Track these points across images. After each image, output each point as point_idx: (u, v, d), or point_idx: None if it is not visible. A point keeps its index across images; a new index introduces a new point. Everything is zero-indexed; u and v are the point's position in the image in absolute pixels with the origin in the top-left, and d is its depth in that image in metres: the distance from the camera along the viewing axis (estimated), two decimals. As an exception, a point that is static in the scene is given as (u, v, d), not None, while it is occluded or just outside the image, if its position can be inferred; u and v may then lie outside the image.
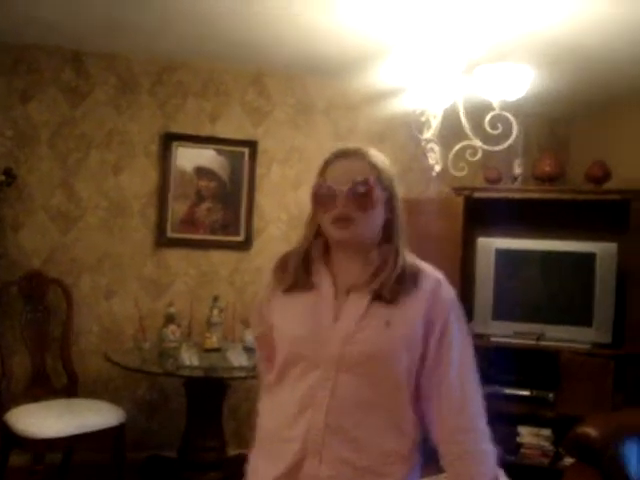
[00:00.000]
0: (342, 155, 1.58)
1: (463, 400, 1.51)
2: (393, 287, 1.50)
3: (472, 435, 1.50)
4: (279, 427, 1.54)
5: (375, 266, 1.54)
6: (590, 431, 2.38)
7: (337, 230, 1.53)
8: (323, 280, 1.56)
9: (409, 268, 1.54)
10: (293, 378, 1.53)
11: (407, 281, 1.52)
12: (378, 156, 1.60)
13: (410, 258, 1.57)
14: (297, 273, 1.57)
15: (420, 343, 1.50)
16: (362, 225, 1.53)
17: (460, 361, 1.52)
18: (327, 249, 1.61)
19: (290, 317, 1.56)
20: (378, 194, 1.54)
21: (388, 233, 1.57)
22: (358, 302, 1.51)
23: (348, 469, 1.47)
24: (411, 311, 1.50)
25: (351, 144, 1.63)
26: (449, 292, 1.55)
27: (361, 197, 1.51)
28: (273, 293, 1.63)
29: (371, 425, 1.48)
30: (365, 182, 1.52)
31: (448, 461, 1.51)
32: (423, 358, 1.51)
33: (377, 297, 1.50)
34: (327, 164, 1.58)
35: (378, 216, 1.55)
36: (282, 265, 1.63)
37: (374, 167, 1.56)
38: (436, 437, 1.53)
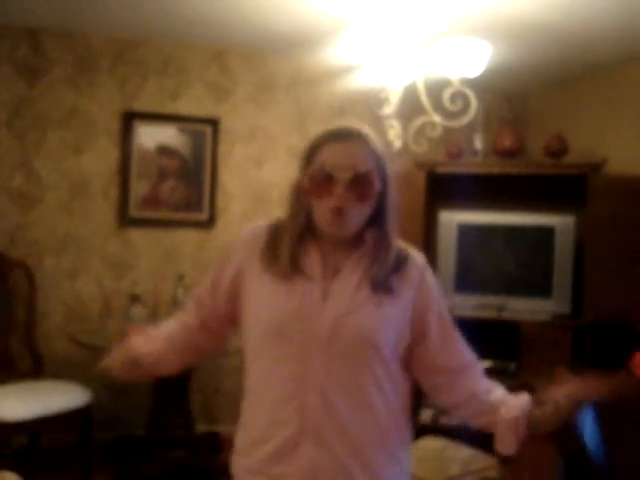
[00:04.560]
0: (341, 136, 1.48)
1: (473, 366, 1.63)
2: (386, 273, 1.49)
3: (487, 388, 1.61)
4: (266, 409, 1.49)
5: (368, 251, 1.51)
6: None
7: (331, 225, 1.47)
8: (311, 260, 1.51)
9: (398, 253, 1.54)
10: (275, 357, 1.48)
11: (397, 266, 1.52)
12: (375, 139, 1.51)
13: (397, 242, 1.56)
14: (292, 261, 1.49)
15: (409, 326, 1.54)
16: (357, 216, 1.48)
17: (457, 335, 1.63)
18: (311, 227, 1.53)
19: (274, 296, 1.49)
20: (377, 185, 1.48)
21: (377, 217, 1.52)
22: (347, 283, 1.49)
23: (344, 449, 1.45)
24: (401, 295, 1.52)
25: (348, 123, 1.53)
26: (431, 274, 1.61)
27: (361, 188, 1.45)
28: (252, 267, 1.55)
29: (366, 404, 1.48)
30: (368, 173, 1.46)
31: (472, 414, 1.61)
32: (422, 338, 1.57)
33: (368, 281, 1.49)
34: (322, 144, 1.49)
35: (372, 204, 1.50)
36: (270, 244, 1.55)
37: (374, 154, 1.49)
38: (451, 401, 1.62)
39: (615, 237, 3.95)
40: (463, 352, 1.63)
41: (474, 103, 2.96)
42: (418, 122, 3.18)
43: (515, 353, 4.13)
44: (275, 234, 1.56)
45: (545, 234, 4.16)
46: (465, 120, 3.06)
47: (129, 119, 4.21)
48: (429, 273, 1.60)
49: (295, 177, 1.55)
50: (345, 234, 1.50)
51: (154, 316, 3.96)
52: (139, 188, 4.27)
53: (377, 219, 1.52)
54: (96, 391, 3.72)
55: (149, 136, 4.27)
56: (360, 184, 1.45)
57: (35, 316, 3.93)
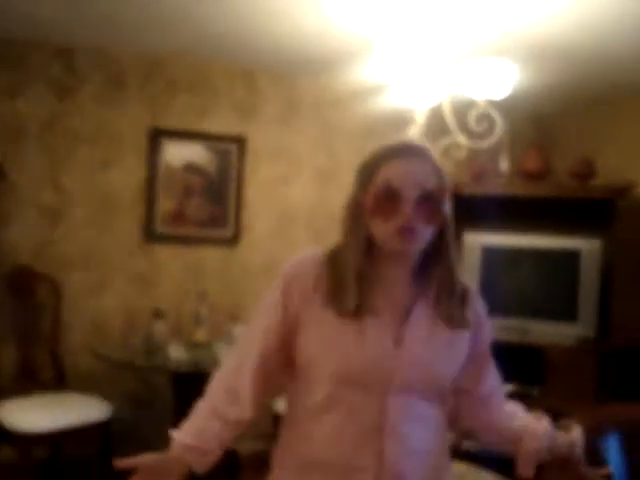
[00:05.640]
0: (405, 153, 1.38)
1: (498, 392, 1.64)
2: (454, 311, 1.45)
3: (510, 414, 1.62)
4: (342, 455, 1.40)
5: (434, 288, 1.44)
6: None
7: (400, 240, 1.36)
8: (379, 300, 1.41)
9: (459, 286, 1.48)
10: (350, 402, 1.39)
11: (462, 299, 1.48)
12: (438, 158, 1.43)
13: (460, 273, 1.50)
14: (360, 298, 1.38)
15: (466, 355, 1.52)
16: (423, 238, 1.39)
17: (491, 361, 1.64)
18: (371, 254, 1.42)
19: (343, 339, 1.38)
20: (446, 204, 1.41)
21: (437, 248, 1.44)
22: (421, 326, 1.42)
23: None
24: (465, 331, 1.49)
25: (411, 140, 1.46)
26: (483, 304, 1.58)
27: (430, 207, 1.37)
28: (310, 305, 1.42)
29: (432, 440, 1.47)
30: (436, 192, 1.37)
31: (494, 441, 1.63)
32: (465, 364, 1.52)
33: (438, 320, 1.43)
34: (384, 160, 1.39)
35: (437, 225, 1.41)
36: (333, 278, 1.41)
37: (438, 172, 1.40)
38: (473, 425, 1.64)
39: (642, 261, 3.91)
40: (492, 378, 1.61)
41: (500, 124, 2.96)
42: (443, 143, 3.18)
43: (539, 377, 4.08)
44: (335, 265, 1.43)
45: (570, 257, 4.12)
46: (491, 141, 3.05)
47: (157, 136, 4.26)
48: (482, 303, 1.57)
49: (351, 196, 1.45)
50: (411, 251, 1.41)
51: (176, 332, 3.98)
52: (165, 205, 4.30)
53: (439, 246, 1.44)
54: (117, 405, 3.74)
55: (176, 153, 4.31)
56: (428, 203, 1.36)
57: (59, 329, 3.97)
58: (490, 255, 4.26)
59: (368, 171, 1.41)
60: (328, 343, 1.40)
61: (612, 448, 2.38)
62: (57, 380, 3.86)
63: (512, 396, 4.45)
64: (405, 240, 1.36)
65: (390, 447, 1.39)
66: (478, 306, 1.54)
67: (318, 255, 1.46)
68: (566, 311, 4.13)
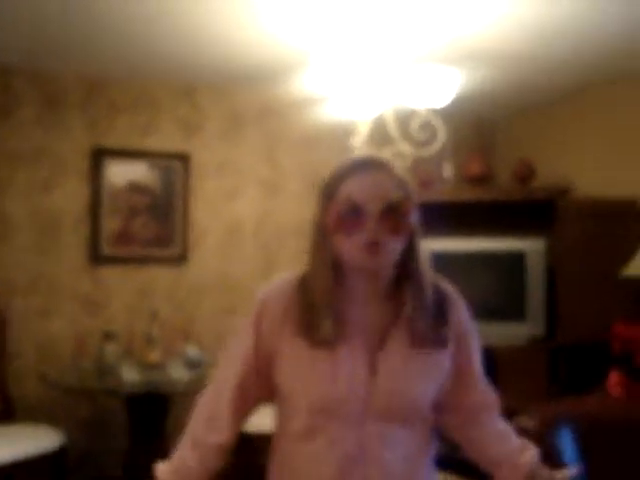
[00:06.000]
0: (366, 167, 1.36)
1: (489, 408, 1.58)
2: (429, 333, 1.39)
3: (499, 436, 1.56)
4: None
5: (408, 311, 1.39)
6: (526, 422, 2.47)
7: (367, 256, 1.32)
8: (351, 324, 1.37)
9: (436, 296, 1.44)
10: (329, 432, 1.37)
11: (440, 312, 1.43)
12: (401, 169, 1.39)
13: (432, 280, 1.46)
14: (333, 329, 1.34)
15: (449, 373, 1.47)
16: (390, 252, 1.35)
17: (481, 374, 1.59)
18: (339, 276, 1.39)
19: (317, 369, 1.36)
20: (413, 216, 1.37)
21: (406, 263, 1.40)
22: (395, 350, 1.38)
23: None
24: (446, 348, 1.44)
25: (372, 154, 1.42)
26: (466, 311, 1.53)
27: (395, 219, 1.33)
28: (282, 335, 1.39)
29: (415, 460, 1.45)
30: (401, 204, 1.34)
31: (478, 459, 1.56)
32: (450, 379, 1.49)
33: (414, 340, 1.39)
34: (344, 176, 1.36)
35: (406, 238, 1.38)
36: (304, 306, 1.38)
37: (403, 183, 1.37)
38: (460, 440, 1.58)
39: (584, 259, 4.00)
40: (482, 393, 1.57)
41: (442, 132, 3.01)
42: (387, 152, 3.21)
43: (492, 378, 4.13)
44: (305, 291, 1.39)
45: (516, 258, 4.20)
46: (434, 149, 3.10)
47: (99, 156, 4.20)
48: (465, 310, 1.52)
49: (315, 218, 1.41)
50: (381, 267, 1.37)
51: (128, 354, 3.91)
52: (110, 225, 4.24)
53: (408, 258, 1.40)
54: (70, 433, 3.65)
55: (119, 173, 4.26)
56: (393, 215, 1.33)
57: (5, 357, 3.86)
58: (438, 261, 4.27)
59: (329, 190, 1.38)
60: (302, 376, 1.38)
61: (566, 441, 2.44)
62: (5, 410, 3.74)
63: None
64: (372, 255, 1.32)
65: (373, 474, 1.38)
66: (460, 314, 1.50)
67: (291, 280, 1.43)
68: (515, 311, 4.20)
